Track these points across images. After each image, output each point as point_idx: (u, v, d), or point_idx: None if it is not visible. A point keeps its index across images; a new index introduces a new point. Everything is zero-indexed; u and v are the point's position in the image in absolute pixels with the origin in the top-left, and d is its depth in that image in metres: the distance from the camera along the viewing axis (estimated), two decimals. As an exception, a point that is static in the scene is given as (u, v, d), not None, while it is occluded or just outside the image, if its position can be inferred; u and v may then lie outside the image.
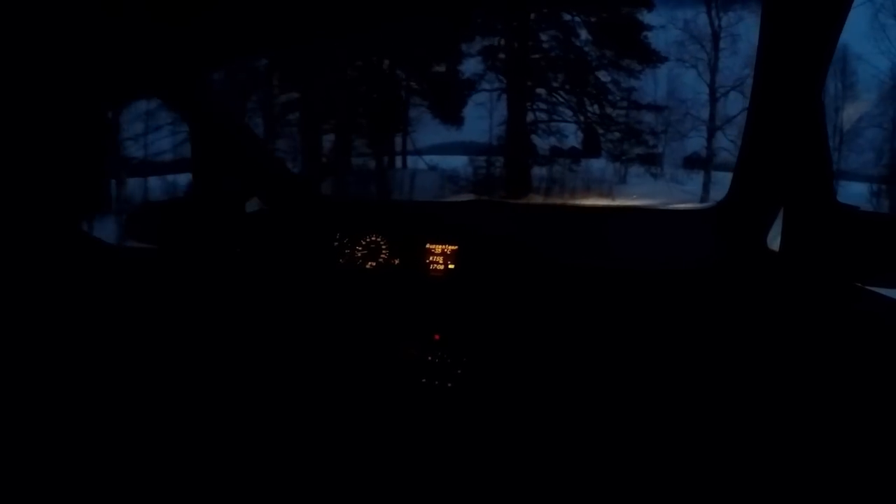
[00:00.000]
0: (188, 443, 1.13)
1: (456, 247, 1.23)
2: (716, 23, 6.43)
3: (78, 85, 1.07)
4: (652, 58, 6.49)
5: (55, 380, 1.03)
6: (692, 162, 6.50)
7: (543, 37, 6.20)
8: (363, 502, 1.08)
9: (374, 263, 1.29)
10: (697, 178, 6.45)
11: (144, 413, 1.12)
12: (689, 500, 0.99)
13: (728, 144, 6.12)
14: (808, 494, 0.89)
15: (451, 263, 1.23)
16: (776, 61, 0.96)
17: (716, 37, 6.43)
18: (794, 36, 0.90)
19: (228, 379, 1.19)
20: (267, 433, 1.15)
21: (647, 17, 6.42)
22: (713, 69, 6.44)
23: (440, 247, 1.24)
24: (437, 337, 1.19)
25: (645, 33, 6.43)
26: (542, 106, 6.28)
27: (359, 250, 1.30)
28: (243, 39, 1.14)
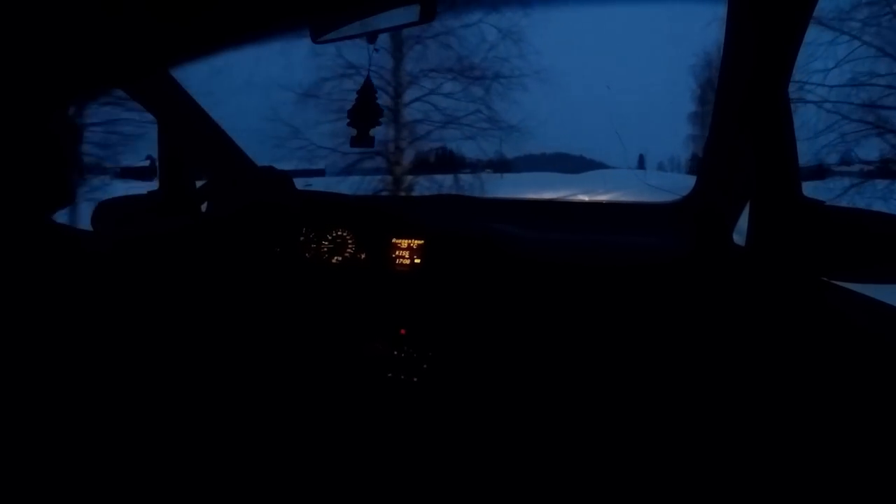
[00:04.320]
0: (152, 434, 1.07)
1: (422, 241, 1.16)
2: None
3: (47, 79, 1.02)
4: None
5: (26, 375, 0.97)
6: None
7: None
8: (328, 495, 1.04)
9: (339, 258, 1.22)
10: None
11: (111, 405, 1.07)
12: (649, 491, 0.96)
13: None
14: (778, 488, 0.86)
15: (417, 258, 1.16)
16: (742, 56, 0.94)
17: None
18: (760, 30, 0.86)
19: (192, 373, 1.14)
20: (231, 427, 1.10)
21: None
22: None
23: (406, 241, 1.17)
24: (402, 332, 1.13)
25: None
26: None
27: (325, 245, 1.23)
28: (212, 34, 1.08)
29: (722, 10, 0.94)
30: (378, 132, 1.11)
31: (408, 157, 5.99)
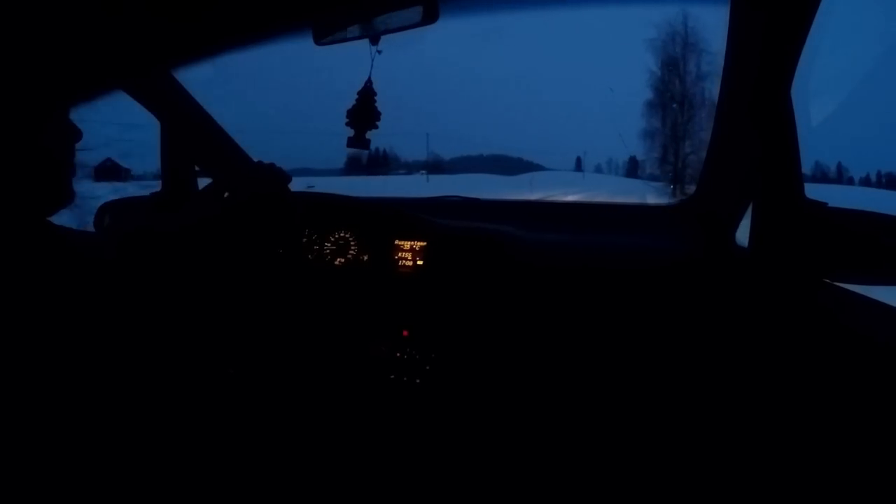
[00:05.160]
0: (154, 436, 1.07)
1: (424, 243, 1.16)
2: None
3: (47, 79, 1.02)
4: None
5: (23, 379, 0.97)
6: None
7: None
8: (331, 496, 1.03)
9: (342, 260, 1.21)
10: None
11: (112, 406, 1.06)
12: (651, 492, 0.96)
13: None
14: (780, 489, 0.86)
15: (420, 260, 1.16)
16: (745, 57, 0.93)
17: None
18: (763, 32, 0.86)
19: (194, 376, 1.13)
20: (234, 428, 1.09)
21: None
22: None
23: (409, 243, 1.16)
24: (405, 333, 1.13)
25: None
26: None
27: (328, 246, 1.22)
28: (214, 35, 1.08)
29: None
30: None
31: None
